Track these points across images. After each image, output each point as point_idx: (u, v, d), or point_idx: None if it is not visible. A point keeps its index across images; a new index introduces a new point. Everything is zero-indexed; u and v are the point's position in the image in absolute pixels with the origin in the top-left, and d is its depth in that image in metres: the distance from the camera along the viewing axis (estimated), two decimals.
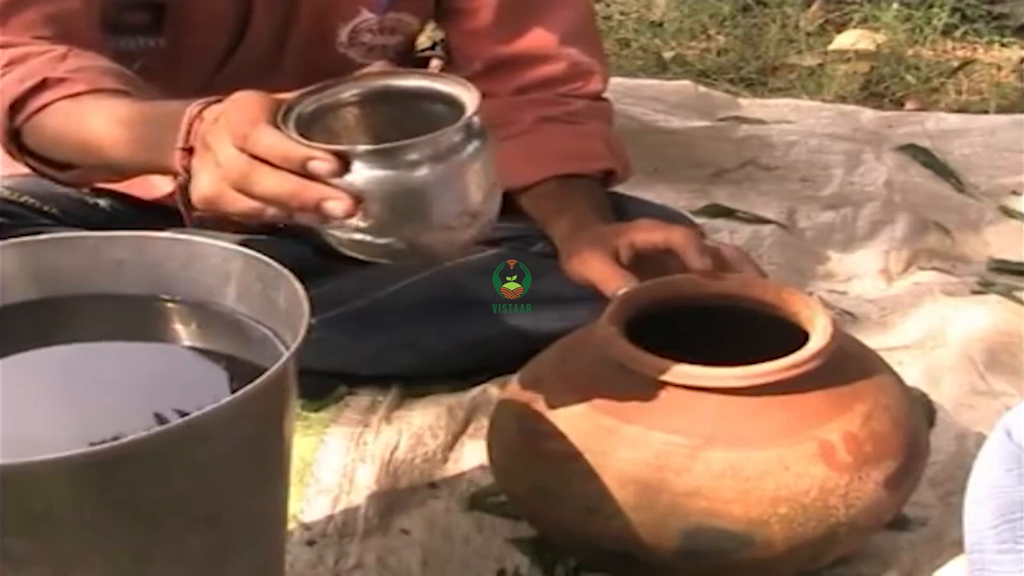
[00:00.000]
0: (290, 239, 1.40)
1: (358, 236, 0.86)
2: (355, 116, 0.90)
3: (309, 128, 0.86)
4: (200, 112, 0.92)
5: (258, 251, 0.92)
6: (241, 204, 0.85)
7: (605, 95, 1.42)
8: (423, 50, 1.47)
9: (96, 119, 1.07)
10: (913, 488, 1.02)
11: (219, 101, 0.91)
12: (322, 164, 0.82)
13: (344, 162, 0.82)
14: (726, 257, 1.10)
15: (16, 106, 1.12)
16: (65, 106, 1.10)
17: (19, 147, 1.15)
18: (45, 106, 1.10)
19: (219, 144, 0.85)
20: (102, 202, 1.37)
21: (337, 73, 1.36)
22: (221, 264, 0.93)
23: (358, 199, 0.82)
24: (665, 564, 0.96)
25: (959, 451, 1.19)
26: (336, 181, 0.82)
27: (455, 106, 0.87)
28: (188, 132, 0.92)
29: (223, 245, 0.94)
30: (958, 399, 1.29)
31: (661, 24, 2.66)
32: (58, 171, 1.16)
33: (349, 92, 0.90)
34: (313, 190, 0.82)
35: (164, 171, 1.00)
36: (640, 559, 0.96)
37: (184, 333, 0.95)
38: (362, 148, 0.83)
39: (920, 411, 1.09)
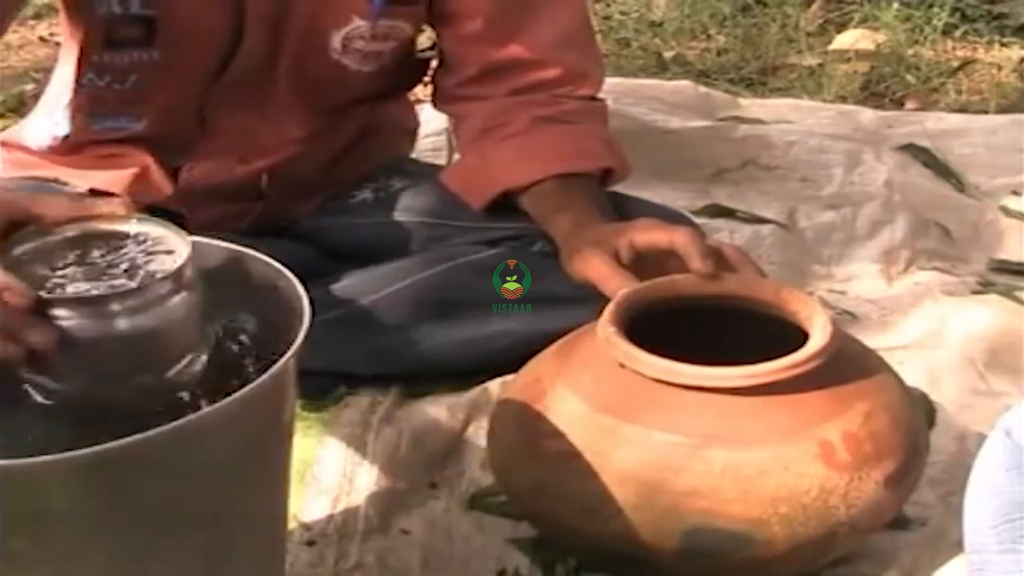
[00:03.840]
0: (292, 240, 1.41)
1: (38, 378, 0.82)
2: (74, 256, 0.85)
3: (22, 266, 0.83)
4: None
5: (259, 251, 0.92)
6: None
7: (600, 96, 1.42)
8: (422, 50, 1.47)
9: None
10: (913, 488, 1.02)
11: None
12: (18, 298, 0.78)
13: (43, 304, 0.79)
14: (727, 257, 1.10)
15: None
16: None
17: None
18: None
19: None
20: None
21: (331, 81, 1.36)
22: (221, 264, 0.93)
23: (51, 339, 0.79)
24: (665, 564, 0.96)
25: (959, 451, 1.19)
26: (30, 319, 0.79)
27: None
28: None
29: (223, 245, 0.94)
30: (958, 399, 1.29)
31: (661, 24, 2.67)
32: None
33: (62, 235, 0.85)
34: (19, 321, 0.79)
35: None
36: (640, 559, 0.96)
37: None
38: (58, 296, 0.80)
39: (920, 411, 1.09)
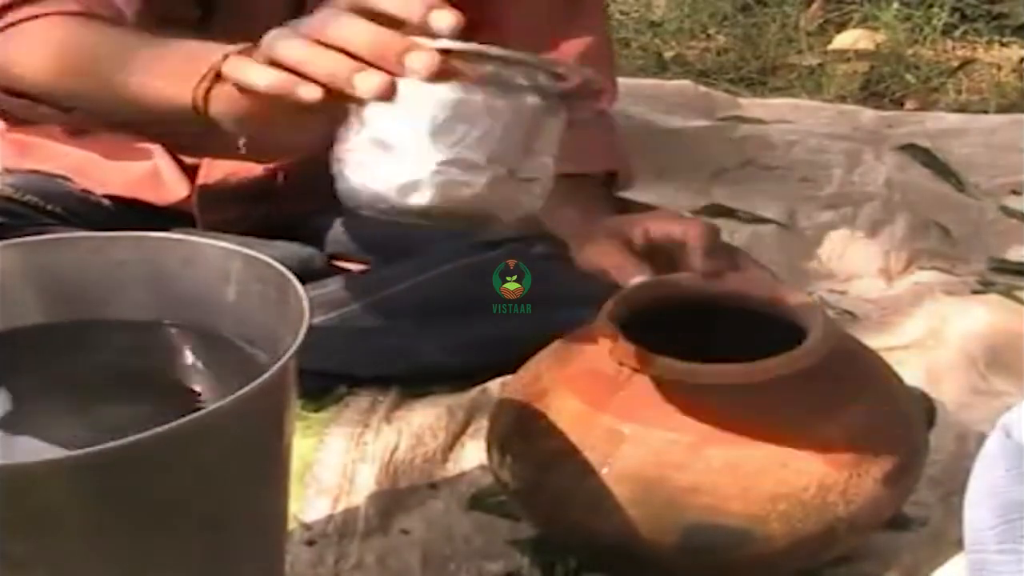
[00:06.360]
0: (293, 240, 1.41)
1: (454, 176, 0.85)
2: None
3: None
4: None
5: (259, 252, 0.92)
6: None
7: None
8: None
9: (116, 44, 1.05)
10: (912, 486, 1.02)
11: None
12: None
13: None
14: (739, 260, 1.10)
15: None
16: (59, 21, 1.07)
17: None
18: (34, 17, 1.08)
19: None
20: (106, 201, 1.37)
21: None
22: (221, 264, 0.93)
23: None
24: (666, 561, 0.96)
25: (959, 451, 1.19)
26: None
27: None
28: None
29: (223, 245, 0.94)
30: (958, 399, 1.29)
31: (661, 24, 2.66)
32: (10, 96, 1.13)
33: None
34: (400, 43, 0.82)
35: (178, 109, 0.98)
36: (641, 556, 0.96)
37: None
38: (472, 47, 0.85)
39: (919, 409, 1.09)
